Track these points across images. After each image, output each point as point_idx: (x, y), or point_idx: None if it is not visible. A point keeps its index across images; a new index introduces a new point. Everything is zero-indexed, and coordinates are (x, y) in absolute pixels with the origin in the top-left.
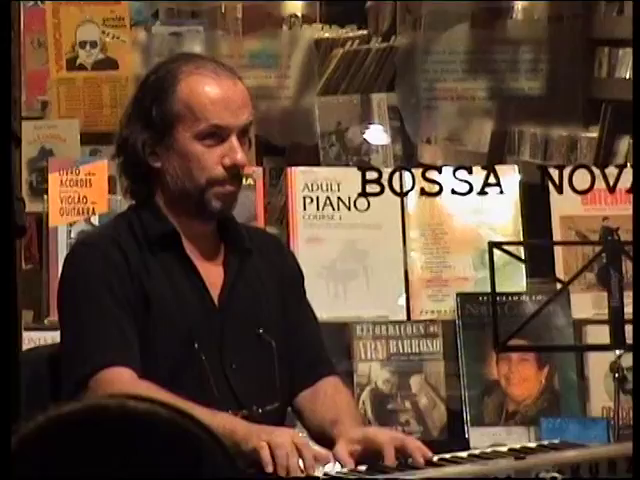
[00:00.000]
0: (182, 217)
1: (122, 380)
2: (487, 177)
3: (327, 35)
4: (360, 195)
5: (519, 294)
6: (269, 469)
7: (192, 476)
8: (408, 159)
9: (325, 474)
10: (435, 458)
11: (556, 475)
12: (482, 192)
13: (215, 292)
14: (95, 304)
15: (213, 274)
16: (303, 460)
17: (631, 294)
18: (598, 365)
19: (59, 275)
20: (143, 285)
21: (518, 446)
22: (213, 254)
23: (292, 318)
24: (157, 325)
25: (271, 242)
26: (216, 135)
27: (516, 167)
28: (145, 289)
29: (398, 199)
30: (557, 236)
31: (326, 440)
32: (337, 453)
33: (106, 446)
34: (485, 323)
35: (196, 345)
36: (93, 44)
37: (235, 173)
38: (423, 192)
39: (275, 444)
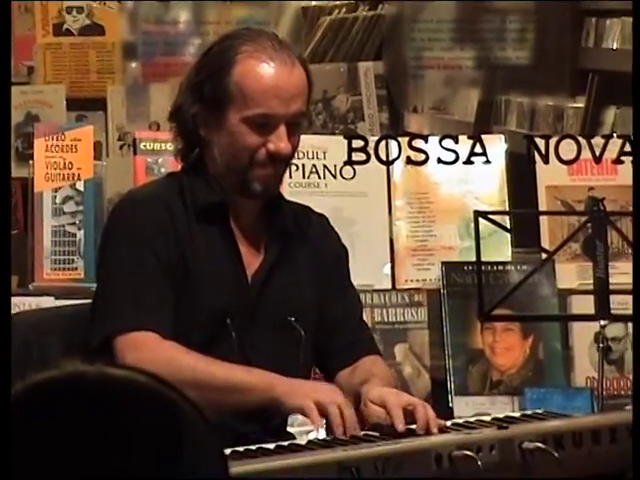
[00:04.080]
0: (228, 191)
1: (147, 343)
2: (473, 146)
3: (314, 3)
4: (346, 163)
5: (504, 263)
6: (321, 427)
7: (170, 442)
8: (394, 128)
9: (309, 441)
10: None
11: (539, 445)
12: (468, 161)
13: (250, 271)
14: (137, 264)
15: (252, 253)
16: (346, 421)
17: (617, 264)
18: (582, 335)
19: (104, 227)
20: (185, 252)
21: (502, 415)
22: (255, 232)
23: (332, 299)
24: (193, 294)
25: (316, 223)
26: (264, 122)
27: (502, 137)
28: (186, 256)
29: (384, 167)
30: (543, 206)
31: (357, 400)
32: (364, 409)
33: (84, 412)
34: (470, 292)
35: (229, 321)
36: (80, 9)
37: (278, 159)
38: (409, 161)
39: (325, 403)
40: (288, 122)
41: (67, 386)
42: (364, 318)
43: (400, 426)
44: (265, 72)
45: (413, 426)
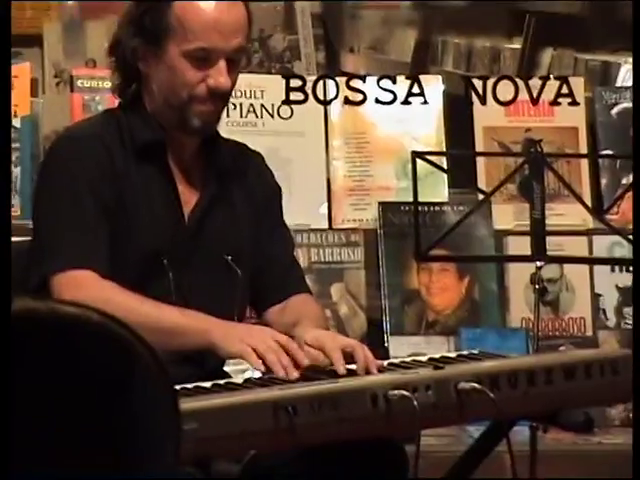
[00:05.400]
0: (166, 127)
1: (85, 282)
2: (411, 87)
3: None
4: (284, 103)
5: (441, 204)
6: (261, 369)
7: (123, 379)
8: (331, 68)
9: (246, 379)
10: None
11: (475, 385)
12: (406, 102)
13: (187, 210)
14: (73, 202)
15: (189, 191)
16: (293, 356)
17: (553, 205)
18: (518, 276)
19: (40, 165)
20: (122, 190)
21: (438, 356)
22: (193, 170)
23: (265, 237)
24: (128, 233)
25: (252, 161)
26: (204, 56)
27: (440, 77)
28: (123, 194)
29: (322, 107)
30: (480, 147)
31: None
32: None
33: (36, 350)
34: (406, 233)
35: (165, 261)
36: None
37: (217, 94)
38: (347, 101)
39: (262, 348)
40: (228, 57)
41: (18, 323)
42: (297, 257)
43: (341, 369)
44: (205, 6)
45: (352, 366)
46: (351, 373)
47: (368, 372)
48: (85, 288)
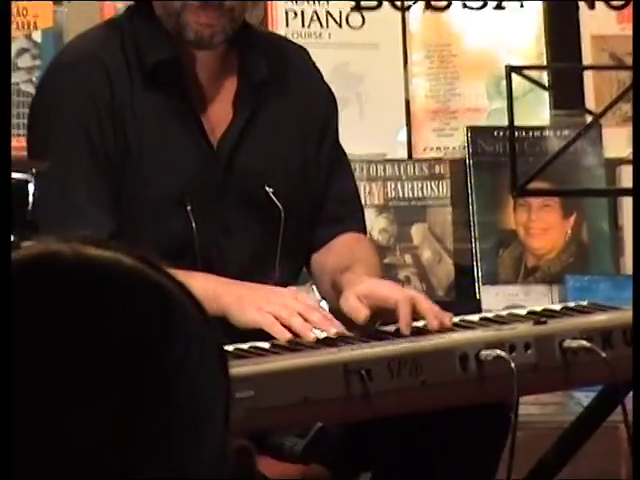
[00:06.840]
0: (177, 38)
1: None
2: None
3: None
4: (353, 9)
5: (541, 128)
6: (284, 338)
7: (160, 330)
8: None
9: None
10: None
11: (584, 343)
12: (499, 6)
13: (216, 137)
14: (65, 151)
15: (218, 115)
16: (319, 327)
17: None
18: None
19: (31, 99)
20: (126, 129)
21: (539, 308)
22: (219, 88)
23: (316, 164)
24: (139, 180)
25: (295, 60)
26: None
27: None
28: (128, 134)
29: (399, 14)
30: (588, 59)
31: (337, 293)
32: (344, 303)
33: (60, 299)
34: (501, 163)
35: (188, 207)
36: None
37: (210, 4)
38: (428, 6)
39: (284, 314)
40: None
41: (38, 268)
42: (357, 189)
43: (406, 327)
44: None
45: (418, 323)
46: (420, 331)
47: (442, 326)
48: None
